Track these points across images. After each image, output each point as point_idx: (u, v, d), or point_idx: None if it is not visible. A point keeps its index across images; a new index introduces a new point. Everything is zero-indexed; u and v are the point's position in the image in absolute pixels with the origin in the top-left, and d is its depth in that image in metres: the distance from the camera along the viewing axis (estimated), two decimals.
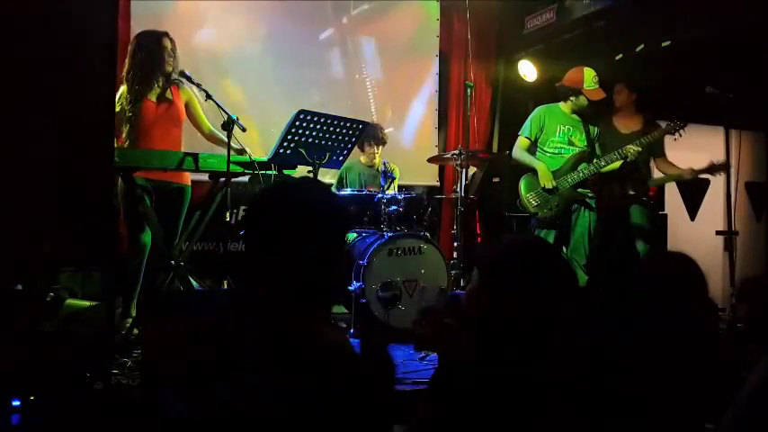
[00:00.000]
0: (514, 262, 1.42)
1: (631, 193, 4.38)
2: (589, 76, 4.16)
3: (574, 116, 4.28)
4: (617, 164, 4.16)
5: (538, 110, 4.36)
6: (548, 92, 4.59)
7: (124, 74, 3.52)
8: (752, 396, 1.40)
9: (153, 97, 3.54)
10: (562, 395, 1.35)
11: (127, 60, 3.54)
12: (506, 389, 1.33)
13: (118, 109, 3.44)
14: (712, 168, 4.15)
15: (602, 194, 4.31)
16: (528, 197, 4.19)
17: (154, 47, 3.50)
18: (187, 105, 3.71)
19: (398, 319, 3.77)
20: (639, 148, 4.08)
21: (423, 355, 3.09)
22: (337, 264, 1.44)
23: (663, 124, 4.24)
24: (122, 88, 3.52)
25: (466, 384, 1.36)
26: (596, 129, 4.34)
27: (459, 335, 1.45)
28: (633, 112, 4.46)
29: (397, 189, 4.57)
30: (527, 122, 4.33)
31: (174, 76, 3.54)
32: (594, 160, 4.18)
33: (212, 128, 3.77)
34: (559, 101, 4.33)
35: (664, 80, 4.83)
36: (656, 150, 4.39)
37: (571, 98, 4.24)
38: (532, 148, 4.30)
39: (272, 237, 1.35)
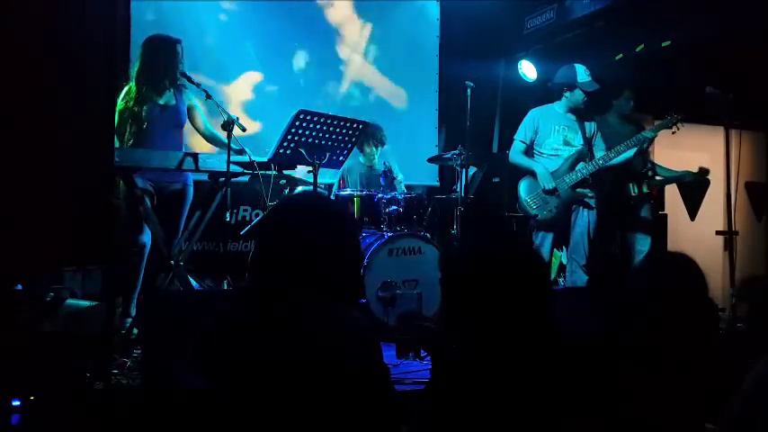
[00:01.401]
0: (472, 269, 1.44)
1: (645, 191, 4.40)
2: (581, 70, 4.16)
3: (569, 115, 4.27)
4: (627, 154, 4.16)
5: (531, 112, 4.35)
6: (548, 92, 4.59)
7: (134, 73, 3.55)
8: (751, 396, 1.40)
9: (157, 100, 3.56)
10: (561, 395, 1.36)
11: (138, 61, 3.58)
12: (505, 389, 1.34)
13: (122, 106, 3.46)
14: (702, 172, 4.45)
15: (611, 191, 4.31)
16: (528, 200, 4.19)
17: (168, 54, 3.53)
18: (189, 108, 3.72)
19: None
20: (655, 134, 4.11)
21: (413, 356, 3.09)
22: (354, 261, 1.52)
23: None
24: (127, 86, 3.54)
25: (465, 384, 1.36)
26: (593, 126, 4.32)
27: (440, 337, 1.47)
28: (631, 115, 4.55)
29: (403, 187, 4.59)
30: (521, 126, 4.33)
31: (179, 79, 3.56)
32: (596, 158, 4.18)
33: (213, 131, 3.78)
34: (553, 101, 4.33)
35: (664, 80, 4.83)
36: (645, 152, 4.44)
37: (566, 94, 4.23)
38: (529, 151, 4.30)
39: (292, 245, 1.41)
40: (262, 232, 1.54)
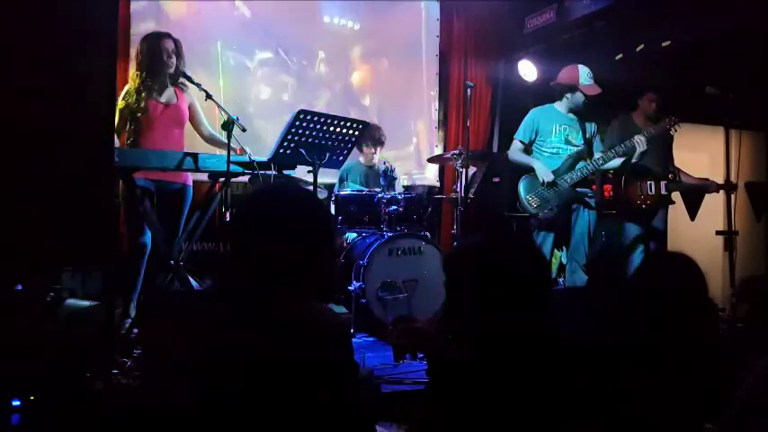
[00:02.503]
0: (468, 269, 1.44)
1: (664, 193, 4.35)
2: (584, 73, 4.16)
3: (570, 115, 4.27)
4: (616, 161, 4.15)
5: (532, 112, 4.36)
6: (548, 92, 4.60)
7: (131, 73, 3.61)
8: (750, 396, 1.40)
9: (157, 98, 3.58)
10: (561, 395, 1.36)
11: (136, 59, 3.61)
12: (505, 389, 1.34)
13: (122, 105, 3.49)
14: (729, 186, 4.13)
15: (629, 192, 4.28)
16: (528, 198, 4.19)
17: (156, 49, 3.55)
18: (190, 107, 3.73)
19: None
20: (645, 138, 4.07)
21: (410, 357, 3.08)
22: (326, 260, 1.48)
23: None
24: (127, 86, 3.58)
25: (464, 385, 1.36)
26: (593, 127, 4.33)
27: (433, 337, 1.48)
28: (656, 117, 4.49)
29: (402, 188, 4.59)
30: (521, 126, 4.34)
31: (180, 78, 3.56)
32: (595, 157, 4.18)
33: (212, 131, 3.78)
34: (555, 101, 4.33)
35: (664, 80, 4.83)
36: (666, 156, 4.40)
37: (567, 95, 4.23)
38: (528, 151, 4.30)
39: (260, 239, 1.38)
40: (231, 228, 1.50)
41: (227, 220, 3.12)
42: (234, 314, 1.33)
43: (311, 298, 1.41)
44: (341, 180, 4.82)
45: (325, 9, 5.63)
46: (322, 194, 4.13)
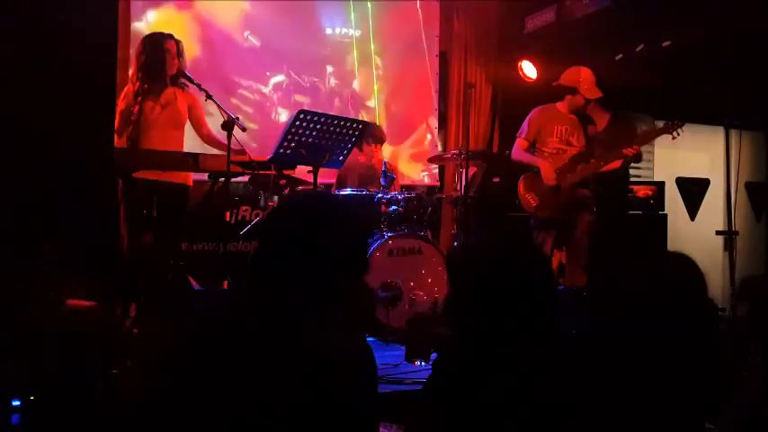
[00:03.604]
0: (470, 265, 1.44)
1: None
2: (586, 75, 4.16)
3: (572, 116, 4.28)
4: (615, 163, 4.16)
5: (534, 111, 4.36)
6: (548, 92, 4.60)
7: (131, 74, 3.60)
8: (751, 396, 1.40)
9: (156, 99, 3.57)
10: (561, 394, 1.36)
11: (133, 61, 3.64)
12: (504, 389, 1.34)
13: (123, 106, 3.48)
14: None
15: (598, 194, 4.30)
16: (527, 197, 4.19)
17: (157, 49, 3.55)
18: (190, 108, 3.73)
19: (399, 319, 3.77)
20: (639, 147, 4.07)
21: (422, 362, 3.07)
22: (359, 273, 1.42)
23: (660, 123, 4.24)
24: (127, 87, 3.59)
25: (463, 384, 1.36)
26: (594, 128, 4.34)
27: (450, 342, 1.47)
28: (600, 111, 4.48)
29: (397, 189, 4.58)
30: (524, 124, 4.34)
31: (180, 78, 3.57)
32: (593, 160, 4.18)
33: (212, 132, 3.78)
34: (556, 101, 4.34)
35: (664, 80, 4.83)
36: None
37: (567, 97, 4.24)
38: (531, 150, 4.30)
39: (297, 245, 1.32)
40: (268, 228, 1.44)
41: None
42: (245, 322, 1.26)
43: (352, 326, 1.32)
44: (340, 179, 4.82)
45: (327, 21, 5.63)
46: None
